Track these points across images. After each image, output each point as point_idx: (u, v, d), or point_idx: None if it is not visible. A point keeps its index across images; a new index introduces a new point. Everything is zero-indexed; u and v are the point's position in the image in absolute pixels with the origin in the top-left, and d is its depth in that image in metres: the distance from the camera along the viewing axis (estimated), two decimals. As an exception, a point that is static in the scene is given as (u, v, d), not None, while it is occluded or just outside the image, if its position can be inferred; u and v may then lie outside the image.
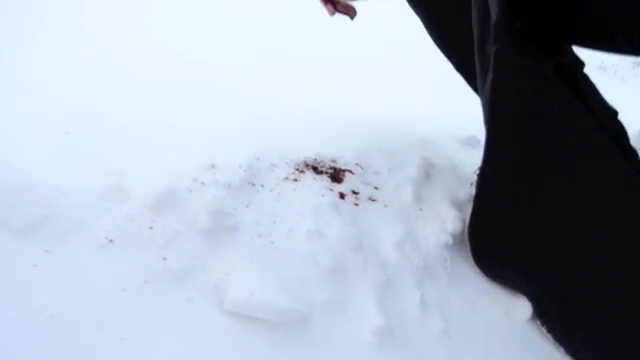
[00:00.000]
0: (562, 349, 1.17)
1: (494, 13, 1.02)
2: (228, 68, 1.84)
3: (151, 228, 1.06)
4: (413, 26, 1.54)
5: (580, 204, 1.09)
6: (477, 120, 1.22)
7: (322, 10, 1.36)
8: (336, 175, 1.30)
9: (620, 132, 1.14)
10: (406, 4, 1.49)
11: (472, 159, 1.46)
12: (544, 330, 1.18)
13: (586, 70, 1.20)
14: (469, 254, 1.25)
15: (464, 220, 1.28)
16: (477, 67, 1.15)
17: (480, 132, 1.21)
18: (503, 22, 1.01)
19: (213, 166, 1.21)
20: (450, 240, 1.25)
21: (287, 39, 2.28)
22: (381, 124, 1.58)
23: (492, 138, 1.15)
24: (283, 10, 2.55)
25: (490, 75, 1.08)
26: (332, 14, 1.35)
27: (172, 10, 2.34)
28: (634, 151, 1.10)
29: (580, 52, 1.15)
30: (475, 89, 1.33)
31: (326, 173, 1.30)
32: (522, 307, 1.20)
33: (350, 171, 1.33)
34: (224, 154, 1.25)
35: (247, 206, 1.16)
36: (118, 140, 1.29)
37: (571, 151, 1.07)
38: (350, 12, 1.36)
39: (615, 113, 1.16)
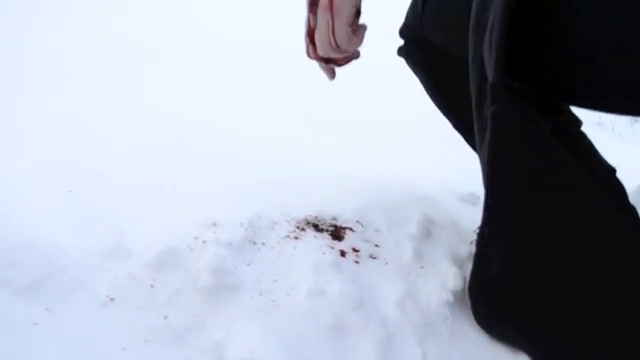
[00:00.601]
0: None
1: (490, 74, 1.03)
2: (227, 127, 1.85)
3: (152, 286, 1.06)
4: (412, 84, 1.56)
5: (579, 263, 1.09)
6: (477, 177, 1.22)
7: (321, 74, 1.36)
8: (337, 233, 1.30)
9: (619, 190, 1.15)
10: (404, 63, 1.51)
11: (472, 216, 1.47)
12: (545, 389, 1.17)
13: (584, 126, 1.22)
14: (470, 312, 1.25)
15: (465, 278, 1.28)
16: (475, 127, 1.16)
17: (480, 189, 1.21)
18: (500, 83, 1.02)
19: (214, 224, 1.21)
20: (451, 298, 1.24)
21: (285, 97, 2.31)
22: (381, 181, 1.58)
23: (491, 198, 1.16)
24: (281, 69, 2.58)
25: (487, 136, 1.08)
26: (332, 78, 1.35)
27: (171, 71, 2.37)
28: (633, 208, 1.10)
29: (577, 109, 1.17)
30: (474, 148, 1.34)
31: (327, 231, 1.30)
32: (524, 366, 1.19)
33: (351, 229, 1.33)
34: (225, 212, 1.25)
35: (248, 264, 1.16)
36: (119, 199, 1.29)
37: (569, 210, 1.07)
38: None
39: (613, 171, 1.18)
